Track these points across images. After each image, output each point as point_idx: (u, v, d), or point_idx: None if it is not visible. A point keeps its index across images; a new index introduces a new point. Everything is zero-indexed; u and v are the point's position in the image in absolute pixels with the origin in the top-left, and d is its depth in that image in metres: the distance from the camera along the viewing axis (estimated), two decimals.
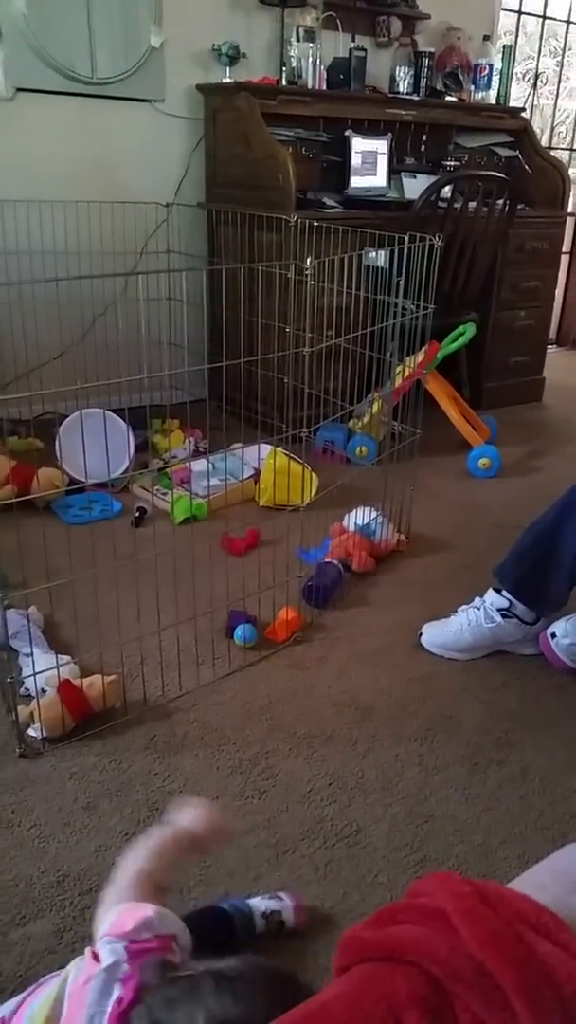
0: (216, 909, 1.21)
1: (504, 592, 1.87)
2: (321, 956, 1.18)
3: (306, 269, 1.61)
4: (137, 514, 2.47)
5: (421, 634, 1.94)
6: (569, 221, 3.97)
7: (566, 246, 4.33)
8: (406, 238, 2.11)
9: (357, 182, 3.34)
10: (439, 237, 2.14)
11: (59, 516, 2.46)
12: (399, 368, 2.62)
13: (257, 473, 2.63)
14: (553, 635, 1.84)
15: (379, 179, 3.42)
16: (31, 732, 1.57)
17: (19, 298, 2.86)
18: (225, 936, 1.18)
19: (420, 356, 2.68)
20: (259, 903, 1.23)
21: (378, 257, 2.28)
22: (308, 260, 1.61)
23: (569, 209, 3.73)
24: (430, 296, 2.16)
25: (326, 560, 2.18)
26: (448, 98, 3.66)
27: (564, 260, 4.57)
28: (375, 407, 2.80)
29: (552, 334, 4.53)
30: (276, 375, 2.58)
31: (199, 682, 1.77)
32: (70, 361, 2.98)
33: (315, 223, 2.59)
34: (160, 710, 1.69)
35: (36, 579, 1.60)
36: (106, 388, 2.55)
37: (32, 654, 1.71)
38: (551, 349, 4.05)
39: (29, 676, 1.62)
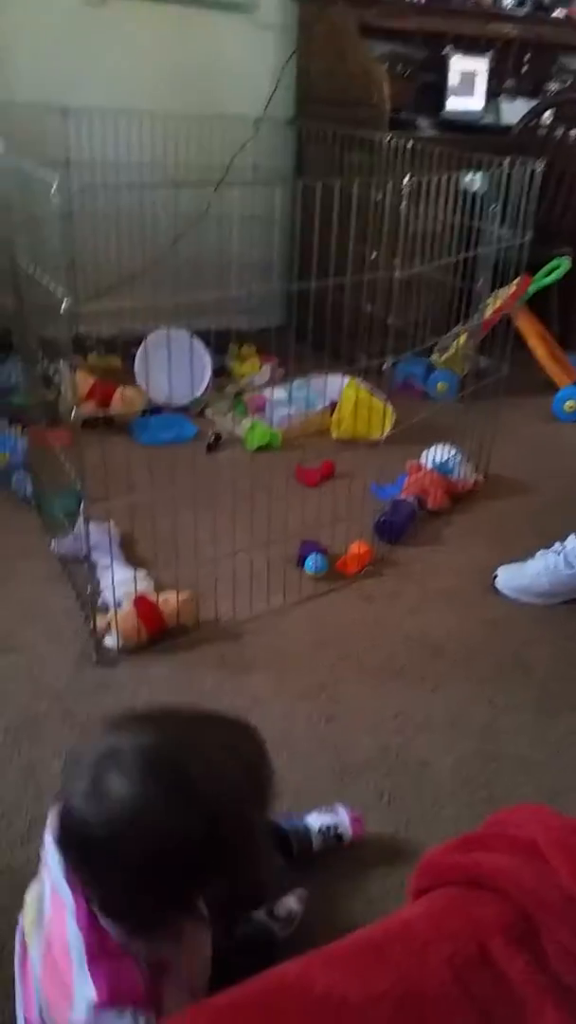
0: (274, 828, 1.23)
1: None
2: (388, 878, 1.20)
3: (403, 188, 1.54)
4: (212, 439, 2.47)
5: (496, 576, 1.90)
6: None
7: None
8: (505, 162, 1.99)
9: (453, 104, 3.16)
10: (541, 162, 2.01)
11: (135, 435, 2.47)
12: (489, 300, 2.52)
13: (334, 405, 2.59)
14: None
15: (476, 101, 3.23)
16: (107, 642, 1.62)
17: (103, 212, 2.82)
18: (283, 856, 1.21)
19: (511, 289, 2.57)
20: (315, 819, 1.24)
21: (475, 181, 2.16)
22: (405, 179, 1.54)
23: None
24: (528, 225, 2.05)
25: (401, 496, 2.15)
26: (555, 15, 3.41)
27: None
28: (460, 341, 2.71)
29: None
30: (359, 303, 2.51)
31: (269, 607, 1.78)
32: (150, 281, 2.94)
33: (409, 144, 2.47)
34: (230, 631, 1.71)
35: (114, 495, 1.61)
36: (184, 310, 2.53)
37: (111, 566, 1.74)
38: None
39: (107, 587, 1.65)
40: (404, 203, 1.69)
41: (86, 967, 0.72)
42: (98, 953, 0.72)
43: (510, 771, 1.40)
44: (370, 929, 0.59)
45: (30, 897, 0.91)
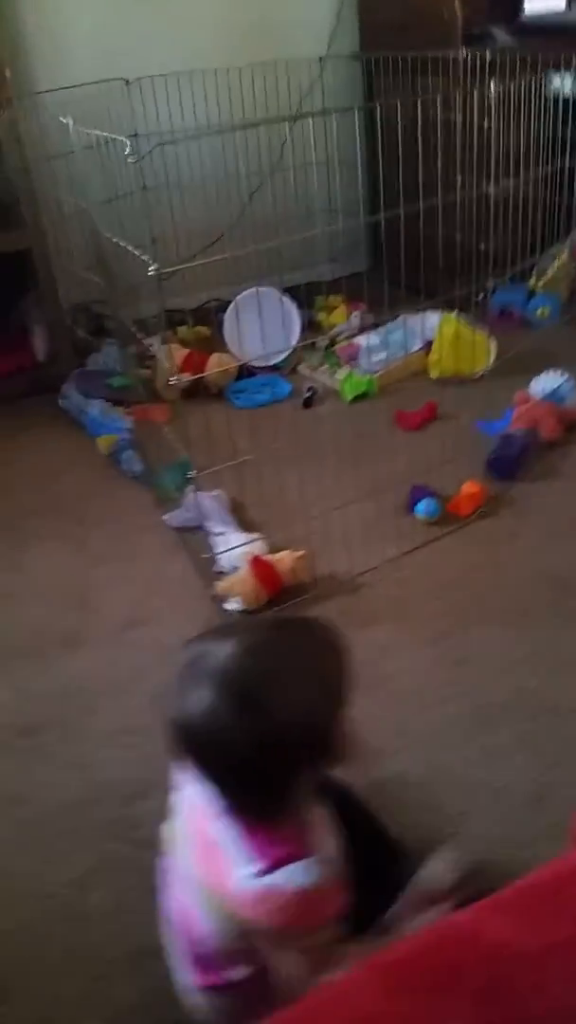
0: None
1: None
2: (533, 823, 1.18)
3: (489, 95, 1.44)
4: (308, 394, 2.44)
5: None
6: None
7: None
8: None
9: (532, 6, 2.93)
10: None
11: (231, 401, 2.47)
12: None
13: (428, 344, 2.50)
14: None
15: (558, 0, 2.98)
16: (228, 605, 1.64)
17: (176, 179, 2.80)
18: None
19: None
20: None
21: (565, 84, 2.01)
22: (491, 84, 1.44)
23: None
24: None
25: (511, 430, 2.06)
26: None
27: None
28: (560, 261, 2.55)
29: None
30: (447, 233, 2.39)
31: (384, 557, 1.76)
32: (231, 242, 2.91)
33: (488, 57, 2.32)
34: (347, 585, 1.70)
35: (219, 462, 1.62)
36: (267, 268, 2.50)
37: (223, 534, 1.76)
38: None
39: (223, 553, 1.67)
40: (489, 118, 1.58)
41: (240, 848, 0.77)
42: (246, 834, 0.78)
43: None
44: (538, 875, 0.57)
45: (166, 832, 0.95)
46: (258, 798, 0.78)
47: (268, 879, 0.76)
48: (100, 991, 1.06)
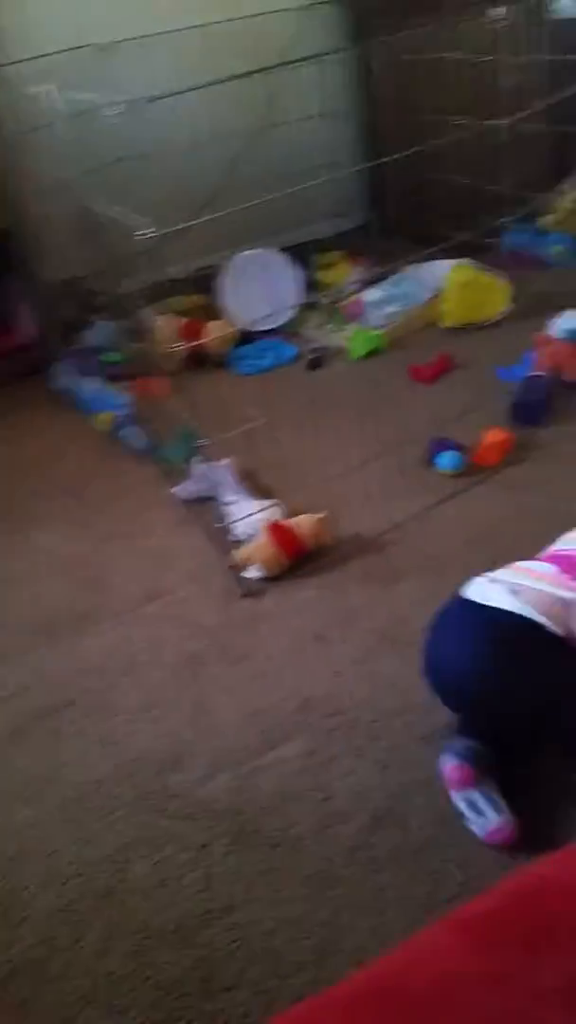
0: None
1: None
2: None
3: (497, 19, 1.34)
4: (314, 355, 2.35)
5: None
6: None
7: None
8: None
9: None
10: None
11: (234, 368, 2.39)
12: None
13: (438, 293, 2.41)
14: None
15: None
16: (249, 573, 1.56)
17: (164, 146, 2.71)
18: None
19: None
20: None
21: (571, 3, 1.90)
22: (495, 7, 1.34)
23: None
24: None
25: (533, 374, 1.96)
26: None
27: None
28: (570, 197, 2.44)
29: None
30: (449, 177, 2.29)
31: (408, 513, 1.68)
32: (221, 207, 2.81)
33: None
34: (372, 543, 1.62)
35: (224, 431, 1.54)
36: (261, 229, 2.40)
37: (236, 502, 1.69)
38: None
39: (238, 522, 1.60)
40: (494, 50, 1.48)
41: None
42: None
43: None
44: None
45: None
46: None
47: None
48: (144, 965, 1.00)
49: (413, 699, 1.26)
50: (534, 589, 1.10)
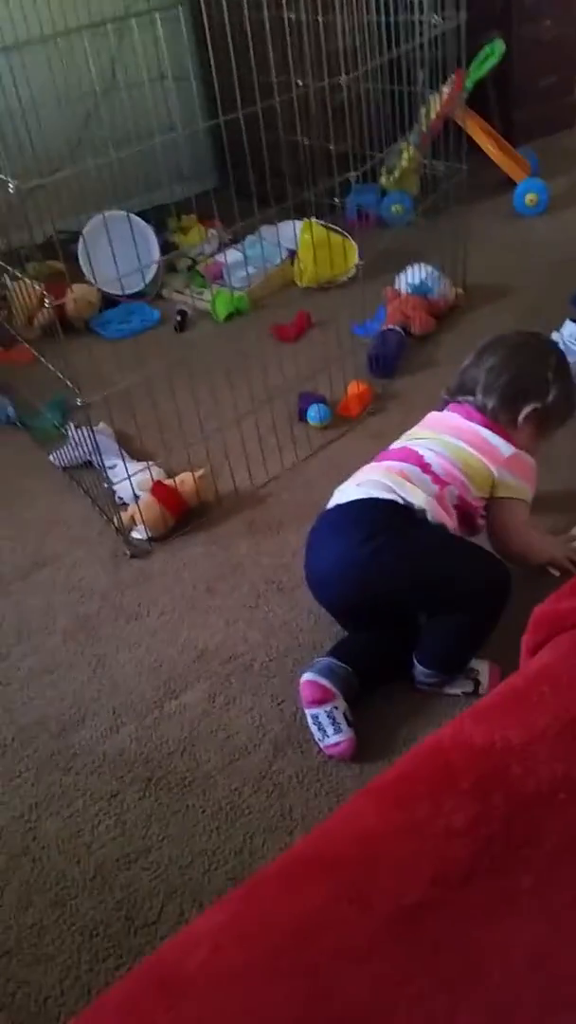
0: None
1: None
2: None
3: None
4: (179, 318, 2.37)
5: None
6: None
7: None
8: None
9: None
10: None
11: (100, 333, 2.37)
12: (428, 105, 2.36)
13: (293, 253, 2.47)
14: None
15: None
16: (135, 535, 1.59)
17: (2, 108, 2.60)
18: None
19: (447, 89, 2.40)
20: None
21: None
22: None
23: None
24: (460, 4, 1.89)
25: (385, 328, 2.08)
26: None
27: None
28: (406, 155, 2.56)
29: None
30: (294, 139, 2.35)
31: (284, 466, 1.75)
32: (71, 169, 2.74)
33: None
34: (253, 497, 1.69)
35: (96, 395, 1.55)
36: (116, 193, 2.37)
37: (116, 465, 1.70)
38: None
39: (122, 481, 1.61)
40: (328, 13, 1.54)
41: (496, 438, 1.31)
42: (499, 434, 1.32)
43: None
44: (509, 681, 0.59)
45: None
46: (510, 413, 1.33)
47: (516, 451, 1.31)
48: (67, 913, 1.05)
49: (301, 639, 1.35)
50: (372, 478, 1.30)
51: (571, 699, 0.54)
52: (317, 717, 1.18)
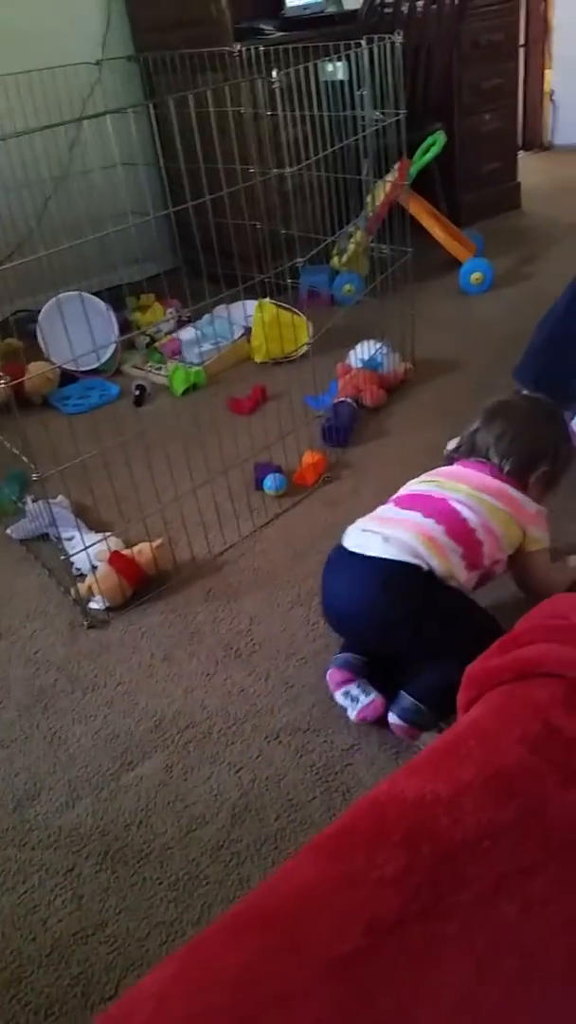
0: None
1: (526, 392, 1.86)
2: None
3: (273, 82, 1.51)
4: (137, 392, 2.43)
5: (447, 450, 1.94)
6: (521, 6, 3.70)
7: (522, 38, 4.05)
8: (363, 43, 1.97)
9: (293, 1, 3.09)
10: (399, 33, 1.99)
11: (59, 409, 2.42)
12: (375, 191, 2.51)
13: (248, 331, 2.57)
14: None
15: None
16: (93, 605, 1.61)
17: None
18: None
19: (392, 177, 2.56)
20: None
21: (337, 70, 2.13)
22: (275, 72, 1.51)
23: None
24: (400, 101, 2.04)
25: (338, 400, 2.16)
26: None
27: (521, 56, 4.28)
28: (356, 239, 2.70)
29: (519, 140, 4.31)
30: (247, 224, 2.47)
31: (241, 535, 1.79)
32: (29, 253, 2.84)
33: (262, 48, 2.42)
34: (210, 565, 1.72)
35: (54, 469, 1.58)
36: (75, 274, 2.46)
37: (74, 537, 1.73)
38: (521, 155, 3.87)
39: (78, 552, 1.64)
40: (273, 107, 1.66)
41: (521, 494, 1.40)
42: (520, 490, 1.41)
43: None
44: (442, 738, 0.62)
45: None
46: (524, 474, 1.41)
47: (539, 507, 1.41)
48: (22, 991, 1.02)
49: (259, 703, 1.37)
50: (401, 538, 1.32)
51: (496, 752, 0.57)
52: (348, 691, 1.30)
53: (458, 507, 1.34)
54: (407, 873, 0.50)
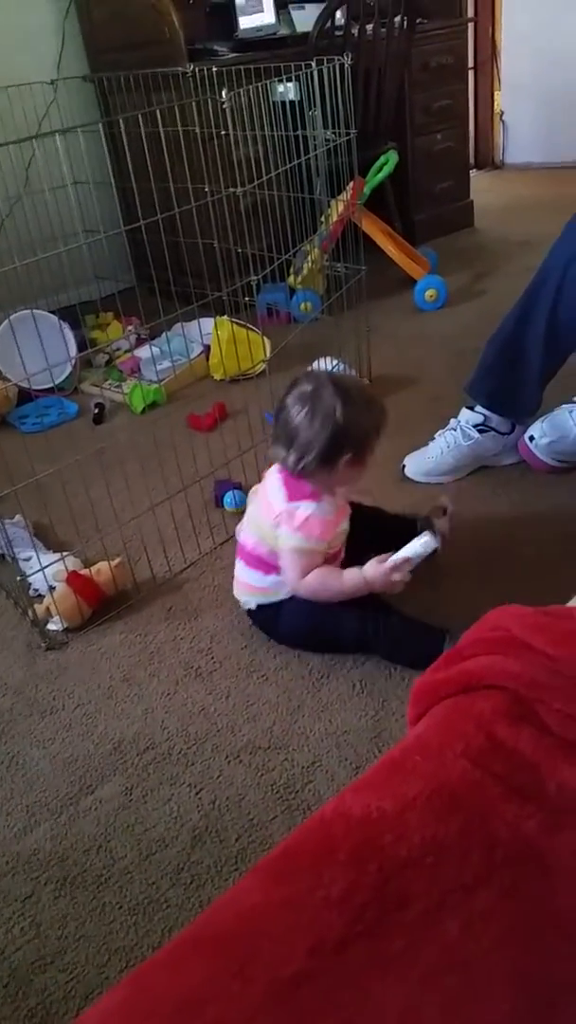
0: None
1: (477, 408, 1.89)
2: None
3: (223, 102, 1.52)
4: (96, 411, 2.42)
5: (404, 466, 1.97)
6: (470, 29, 3.79)
7: (471, 60, 4.15)
8: (312, 64, 2.00)
9: (246, 23, 3.12)
10: (348, 56, 2.03)
11: (17, 428, 2.40)
12: (329, 211, 2.54)
13: (207, 348, 2.58)
14: (531, 438, 1.88)
15: (267, 16, 3.20)
16: (51, 626, 1.59)
17: None
18: None
19: (347, 195, 2.59)
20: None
21: (288, 90, 2.16)
22: (224, 92, 1.52)
23: (469, 15, 3.55)
24: (351, 121, 2.07)
25: None
26: None
27: (470, 78, 4.38)
28: (311, 257, 2.72)
29: (471, 159, 4.40)
30: (203, 242, 2.48)
31: (201, 552, 1.79)
32: None
33: (214, 68, 2.44)
34: (170, 583, 1.72)
35: (10, 487, 1.57)
36: (31, 292, 2.44)
37: (31, 557, 1.71)
38: (473, 174, 3.95)
39: (35, 572, 1.62)
40: (225, 127, 1.67)
41: (279, 491, 1.39)
42: (286, 484, 1.39)
43: None
44: (388, 753, 0.63)
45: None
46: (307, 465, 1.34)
47: (291, 504, 1.37)
48: None
49: (219, 723, 1.37)
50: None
51: (440, 766, 0.58)
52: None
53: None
54: (352, 892, 0.51)
